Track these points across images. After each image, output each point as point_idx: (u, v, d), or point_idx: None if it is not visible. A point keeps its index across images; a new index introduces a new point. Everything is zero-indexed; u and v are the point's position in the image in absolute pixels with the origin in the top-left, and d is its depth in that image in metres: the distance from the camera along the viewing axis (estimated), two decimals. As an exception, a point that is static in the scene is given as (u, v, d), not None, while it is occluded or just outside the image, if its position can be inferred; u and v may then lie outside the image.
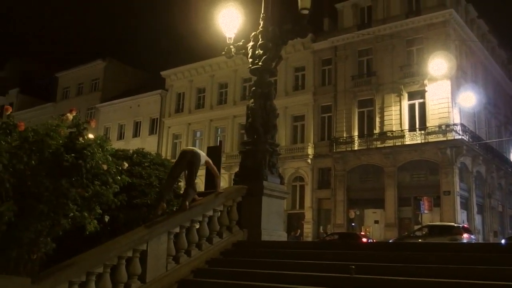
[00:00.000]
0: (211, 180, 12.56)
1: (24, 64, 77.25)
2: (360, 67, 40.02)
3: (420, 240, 24.05)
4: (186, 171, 9.04)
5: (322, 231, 37.84)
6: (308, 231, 38.21)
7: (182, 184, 9.61)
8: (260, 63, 10.67)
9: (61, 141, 6.73)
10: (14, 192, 6.47)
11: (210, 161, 9.29)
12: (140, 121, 52.87)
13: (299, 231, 37.02)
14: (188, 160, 8.82)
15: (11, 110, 6.88)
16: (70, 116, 6.86)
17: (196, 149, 9.24)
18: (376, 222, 36.71)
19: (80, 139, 6.70)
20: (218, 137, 46.03)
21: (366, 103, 38.76)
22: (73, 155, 6.52)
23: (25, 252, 6.70)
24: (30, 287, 5.23)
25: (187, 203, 8.55)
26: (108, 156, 7.09)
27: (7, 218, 6.21)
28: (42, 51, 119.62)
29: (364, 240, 28.81)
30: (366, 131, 38.28)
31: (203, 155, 9.23)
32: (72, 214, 6.70)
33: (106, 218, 8.08)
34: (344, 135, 38.62)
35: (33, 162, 6.58)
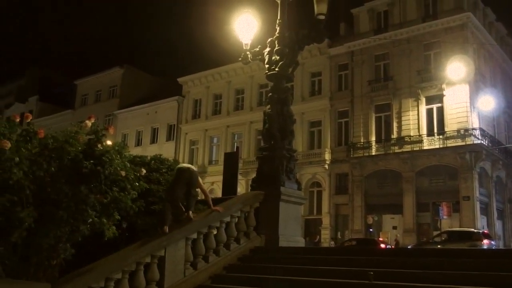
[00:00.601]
0: (229, 186, 12.62)
1: (43, 72, 78.39)
2: (377, 72, 39.82)
3: (439, 246, 23.81)
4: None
5: (339, 237, 37.66)
6: (325, 236, 38.02)
7: None
8: (276, 69, 10.68)
9: (80, 148, 6.80)
10: (34, 199, 6.55)
11: (201, 180, 8.82)
12: (158, 128, 53.17)
13: (318, 237, 36.88)
14: (187, 182, 8.33)
15: (31, 118, 6.96)
16: (88, 123, 6.93)
17: (192, 166, 8.79)
18: (394, 227, 36.40)
19: (99, 145, 6.76)
20: (235, 143, 46.12)
21: (383, 108, 38.53)
22: (92, 161, 6.58)
23: (45, 258, 6.77)
24: (50, 292, 5.25)
25: (191, 213, 8.28)
26: (126, 162, 7.15)
27: (27, 224, 6.28)
28: (61, 59, 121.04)
29: (383, 246, 28.59)
30: (384, 136, 38.03)
31: (196, 172, 8.77)
32: (91, 220, 6.76)
33: (124, 224, 8.14)
34: (361, 140, 38.41)
35: (52, 168, 6.66)
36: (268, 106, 10.77)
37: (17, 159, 6.13)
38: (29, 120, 6.86)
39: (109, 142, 7.00)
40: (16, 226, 6.35)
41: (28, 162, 6.40)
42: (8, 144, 6.04)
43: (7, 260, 6.43)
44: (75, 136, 6.85)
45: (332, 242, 35.74)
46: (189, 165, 8.75)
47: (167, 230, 7.74)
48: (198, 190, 8.64)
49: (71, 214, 6.58)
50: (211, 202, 8.82)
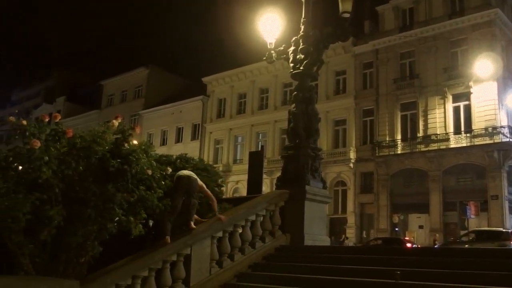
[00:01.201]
0: (254, 184, 12.62)
1: (70, 73, 79.58)
2: (402, 70, 39.40)
3: (466, 246, 23.45)
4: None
5: (364, 236, 37.42)
6: (350, 236, 37.80)
7: None
8: (301, 68, 10.66)
9: (107, 147, 6.89)
10: (63, 197, 6.67)
11: (204, 185, 8.44)
12: (182, 127, 53.50)
13: (343, 236, 36.68)
14: (186, 190, 7.96)
15: (60, 118, 7.07)
16: (115, 123, 7.02)
17: (192, 174, 8.23)
18: (421, 227, 36.00)
19: (126, 145, 6.84)
20: (260, 142, 46.16)
21: (409, 106, 38.11)
22: (118, 160, 6.66)
23: (74, 255, 6.88)
24: (79, 289, 5.34)
25: (192, 223, 7.96)
26: (152, 161, 7.22)
27: (56, 222, 6.40)
28: (88, 60, 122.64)
29: (409, 245, 28.28)
30: (410, 135, 37.61)
31: (196, 179, 8.27)
32: (117, 218, 6.84)
33: (151, 223, 8.21)
34: (387, 139, 38.07)
35: (80, 167, 6.77)
36: (293, 105, 10.76)
37: (46, 158, 6.25)
38: (57, 120, 6.98)
39: (135, 142, 7.08)
40: (46, 224, 6.47)
41: (57, 161, 6.51)
42: (38, 144, 6.16)
43: (37, 258, 6.56)
44: (102, 135, 6.95)
45: (346, 241, 35.41)
46: (189, 173, 8.19)
47: (169, 241, 7.46)
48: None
49: (99, 213, 6.68)
50: (216, 208, 8.50)
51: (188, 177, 8.01)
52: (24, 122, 6.50)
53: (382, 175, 37.86)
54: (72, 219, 6.62)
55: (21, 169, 6.48)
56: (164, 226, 7.58)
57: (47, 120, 6.91)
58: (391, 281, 6.92)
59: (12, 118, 6.56)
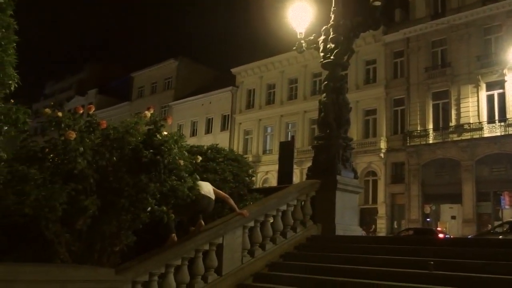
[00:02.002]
0: (285, 175, 12.64)
1: (101, 65, 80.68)
2: (434, 58, 38.76)
3: (500, 236, 23.05)
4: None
5: (395, 227, 37.11)
6: (381, 226, 37.55)
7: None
8: (332, 57, 10.59)
9: (139, 138, 6.98)
10: (97, 187, 6.78)
11: (217, 190, 8.14)
12: (212, 118, 53.78)
13: (373, 226, 36.43)
14: (203, 210, 7.82)
15: (93, 109, 7.19)
16: (148, 114, 7.10)
17: (210, 189, 7.94)
18: (453, 217, 35.52)
19: (158, 135, 6.91)
20: (289, 132, 46.08)
21: (441, 95, 37.51)
22: (151, 151, 6.73)
23: (108, 244, 7.00)
24: (114, 277, 5.44)
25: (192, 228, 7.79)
26: (184, 151, 7.28)
27: (91, 212, 6.52)
28: (118, 52, 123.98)
29: (441, 236, 27.94)
30: (442, 124, 37.06)
31: (206, 185, 8.01)
32: (150, 208, 6.93)
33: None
34: (418, 129, 37.59)
35: (114, 158, 6.87)
36: (324, 95, 10.71)
37: (81, 149, 6.36)
38: (91, 111, 7.10)
39: (164, 133, 7.14)
40: (81, 214, 6.60)
41: (92, 152, 6.63)
42: (73, 135, 6.28)
43: (73, 247, 6.70)
44: (135, 126, 7.04)
45: (363, 232, 34.71)
46: (209, 190, 7.88)
47: (175, 238, 7.45)
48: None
49: (132, 203, 6.77)
50: (233, 204, 8.27)
51: (209, 198, 7.81)
52: (60, 114, 6.63)
53: (413, 165, 37.43)
54: (106, 208, 6.74)
55: (57, 160, 6.62)
56: (169, 224, 7.41)
57: (81, 112, 7.03)
58: (425, 272, 6.88)
59: (47, 110, 6.69)
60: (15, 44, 7.51)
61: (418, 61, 38.95)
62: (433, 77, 37.83)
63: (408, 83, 39.13)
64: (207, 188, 7.87)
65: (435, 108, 37.80)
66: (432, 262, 6.86)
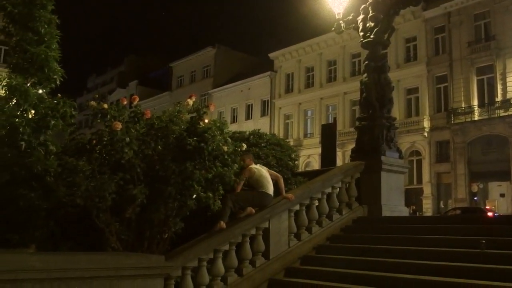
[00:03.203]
0: (328, 157, 12.56)
1: (140, 57, 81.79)
2: (477, 32, 37.59)
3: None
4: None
5: (442, 206, 36.47)
6: (427, 206, 36.96)
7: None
8: (371, 36, 10.43)
9: (183, 126, 7.06)
10: (144, 176, 6.91)
11: (268, 170, 8.24)
12: (252, 104, 53.84)
13: (413, 206, 35.83)
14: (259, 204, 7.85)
15: (137, 100, 7.30)
16: (190, 102, 7.17)
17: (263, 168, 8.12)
18: (502, 195, 34.61)
19: (201, 123, 6.97)
20: (330, 115, 45.73)
21: (486, 70, 36.42)
22: (195, 138, 6.80)
23: (157, 232, 7.14)
24: (164, 264, 5.56)
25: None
26: (227, 138, 7.32)
27: (139, 201, 6.66)
28: (156, 43, 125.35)
29: (490, 214, 27.33)
30: (487, 100, 36.02)
31: (265, 172, 8.08)
32: (195, 195, 7.01)
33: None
34: (463, 105, 36.66)
35: (159, 147, 6.99)
36: (365, 75, 10.58)
37: (127, 139, 6.49)
38: (135, 102, 7.21)
39: (206, 120, 7.19)
40: (130, 203, 6.75)
41: (137, 142, 6.75)
42: (119, 126, 6.40)
43: (123, 235, 6.86)
44: (178, 115, 7.12)
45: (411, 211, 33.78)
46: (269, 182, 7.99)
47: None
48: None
49: (179, 190, 6.86)
50: (283, 186, 8.21)
51: (271, 196, 7.92)
52: (105, 106, 6.76)
53: (458, 143, 36.59)
54: (154, 197, 6.86)
55: (104, 151, 6.77)
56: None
57: (125, 103, 7.16)
58: (476, 251, 6.75)
59: (93, 103, 6.84)
60: (58, 39, 7.70)
61: (460, 36, 37.86)
62: (477, 52, 36.74)
63: (451, 59, 38.13)
64: (268, 180, 7.93)
65: (480, 83, 36.75)
66: (483, 241, 6.72)
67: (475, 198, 35.15)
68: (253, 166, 7.96)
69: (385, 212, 9.68)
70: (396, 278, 6.65)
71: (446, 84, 38.47)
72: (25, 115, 7.01)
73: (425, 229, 8.51)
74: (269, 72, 52.00)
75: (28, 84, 7.11)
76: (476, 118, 35.80)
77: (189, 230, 7.43)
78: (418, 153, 39.16)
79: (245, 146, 7.99)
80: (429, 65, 39.42)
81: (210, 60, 60.32)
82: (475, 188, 35.13)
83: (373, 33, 10.40)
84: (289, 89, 50.78)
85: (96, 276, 4.82)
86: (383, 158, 9.84)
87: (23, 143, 6.73)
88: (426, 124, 38.46)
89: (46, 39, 7.42)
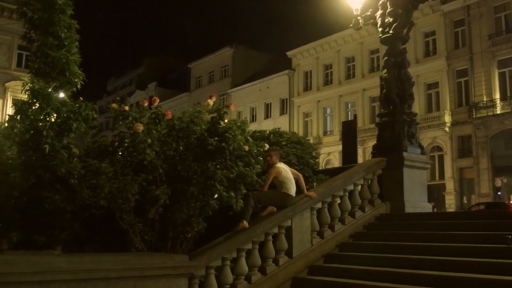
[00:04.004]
0: (349, 154, 12.50)
1: (158, 59, 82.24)
2: (497, 24, 37.03)
3: None
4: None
5: (465, 202, 36.04)
6: (450, 202, 36.56)
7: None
8: (390, 31, 10.36)
9: (204, 126, 7.09)
10: (167, 177, 6.96)
11: (290, 169, 8.21)
12: (270, 103, 53.81)
13: (433, 203, 35.39)
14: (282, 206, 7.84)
15: (158, 101, 7.35)
16: (210, 102, 7.19)
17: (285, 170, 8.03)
18: (527, 190, 34.09)
19: (221, 123, 6.99)
20: (349, 112, 45.50)
21: (507, 63, 35.86)
22: (216, 138, 6.83)
23: (180, 232, 7.18)
24: (187, 263, 5.58)
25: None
26: (248, 137, 7.33)
27: (162, 201, 6.70)
28: (174, 45, 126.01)
29: (515, 209, 26.93)
30: (509, 93, 35.48)
31: (287, 171, 8.05)
32: (216, 195, 7.03)
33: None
34: (484, 99, 36.16)
35: (181, 147, 7.03)
36: (385, 71, 10.50)
37: (149, 140, 6.54)
38: (156, 103, 7.26)
39: (226, 121, 7.21)
40: (153, 204, 6.80)
41: (159, 143, 6.80)
42: (141, 127, 6.46)
43: (147, 236, 6.91)
44: (199, 115, 7.15)
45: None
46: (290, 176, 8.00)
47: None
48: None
49: (201, 190, 6.89)
50: (304, 185, 8.17)
51: (293, 197, 7.92)
52: (126, 108, 6.82)
53: (481, 138, 36.12)
54: (176, 197, 6.90)
55: (126, 152, 6.83)
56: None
57: (145, 104, 7.21)
58: (501, 246, 6.66)
59: (115, 105, 6.90)
60: (77, 43, 7.79)
61: (480, 29, 37.36)
62: (498, 44, 36.21)
63: (471, 53, 37.66)
64: (292, 182, 7.92)
65: (501, 76, 36.20)
66: (510, 236, 6.63)
67: (499, 192, 34.68)
68: (279, 165, 7.94)
69: (408, 209, 9.60)
70: (420, 275, 6.60)
71: (466, 78, 38.00)
72: (48, 118, 7.11)
73: (449, 225, 8.43)
74: (287, 71, 51.92)
75: (50, 88, 7.21)
76: (498, 112, 35.29)
77: (211, 229, 7.47)
78: (439, 148, 38.75)
79: (267, 146, 8.00)
80: (449, 59, 38.97)
81: (228, 60, 60.43)
82: (498, 182, 34.64)
83: (392, 28, 10.32)
84: (307, 87, 50.64)
85: (121, 277, 4.86)
86: (405, 154, 9.76)
87: (47, 146, 6.82)
88: (447, 119, 38.04)
89: (66, 43, 7.52)
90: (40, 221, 6.87)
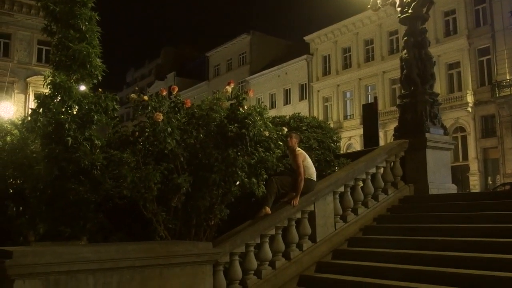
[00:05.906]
0: (370, 137, 12.39)
1: (176, 49, 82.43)
2: (519, 0, 36.24)
3: None
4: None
5: (490, 182, 35.57)
6: (474, 183, 36.11)
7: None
8: (410, 11, 10.18)
9: (223, 114, 7.08)
10: (188, 165, 6.99)
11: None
12: (290, 88, 53.58)
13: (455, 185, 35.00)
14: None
15: (177, 90, 7.35)
16: (229, 89, 7.17)
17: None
18: (554, 168, 33.50)
19: (241, 109, 6.97)
20: (369, 95, 45.07)
21: (530, 39, 35.12)
22: (236, 125, 6.82)
23: (203, 219, 7.22)
24: (212, 250, 5.60)
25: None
26: (268, 123, 7.31)
27: (184, 189, 6.73)
28: (191, 34, 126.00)
29: (541, 188, 26.48)
30: (533, 70, 34.80)
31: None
32: (239, 181, 7.03)
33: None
34: (508, 78, 35.49)
35: (201, 135, 7.04)
36: (404, 51, 10.35)
37: (169, 129, 6.56)
38: (175, 92, 7.26)
39: (245, 107, 7.18)
40: (175, 192, 6.84)
41: (179, 131, 6.81)
42: (160, 116, 6.47)
43: (170, 224, 6.96)
44: (218, 102, 7.14)
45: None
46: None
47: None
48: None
49: (222, 177, 6.91)
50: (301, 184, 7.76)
51: (316, 182, 7.88)
52: (146, 98, 6.84)
53: (505, 117, 35.50)
54: (198, 185, 6.93)
55: (147, 142, 6.86)
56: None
57: (164, 93, 7.22)
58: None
59: (134, 95, 6.92)
60: (98, 35, 7.83)
61: (502, 6, 36.55)
62: (520, 21, 35.44)
63: (493, 31, 36.90)
64: (313, 169, 7.88)
65: (525, 53, 35.49)
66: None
67: (524, 172, 34.13)
68: (300, 150, 7.84)
69: (432, 190, 9.49)
70: (445, 256, 6.53)
71: (489, 57, 37.31)
72: (69, 111, 7.18)
73: (474, 206, 8.32)
74: (305, 56, 51.55)
75: (71, 81, 7.26)
76: (522, 90, 34.65)
77: (234, 216, 7.49)
78: (462, 129, 38.23)
79: (286, 129, 7.96)
80: (470, 38, 38.28)
81: (245, 47, 60.24)
82: (524, 162, 34.09)
83: (411, 7, 10.15)
84: (326, 72, 50.25)
85: (147, 265, 4.90)
86: (427, 135, 9.63)
87: (69, 138, 6.90)
88: (470, 99, 37.45)
89: (87, 36, 7.56)
90: (65, 213, 6.96)
